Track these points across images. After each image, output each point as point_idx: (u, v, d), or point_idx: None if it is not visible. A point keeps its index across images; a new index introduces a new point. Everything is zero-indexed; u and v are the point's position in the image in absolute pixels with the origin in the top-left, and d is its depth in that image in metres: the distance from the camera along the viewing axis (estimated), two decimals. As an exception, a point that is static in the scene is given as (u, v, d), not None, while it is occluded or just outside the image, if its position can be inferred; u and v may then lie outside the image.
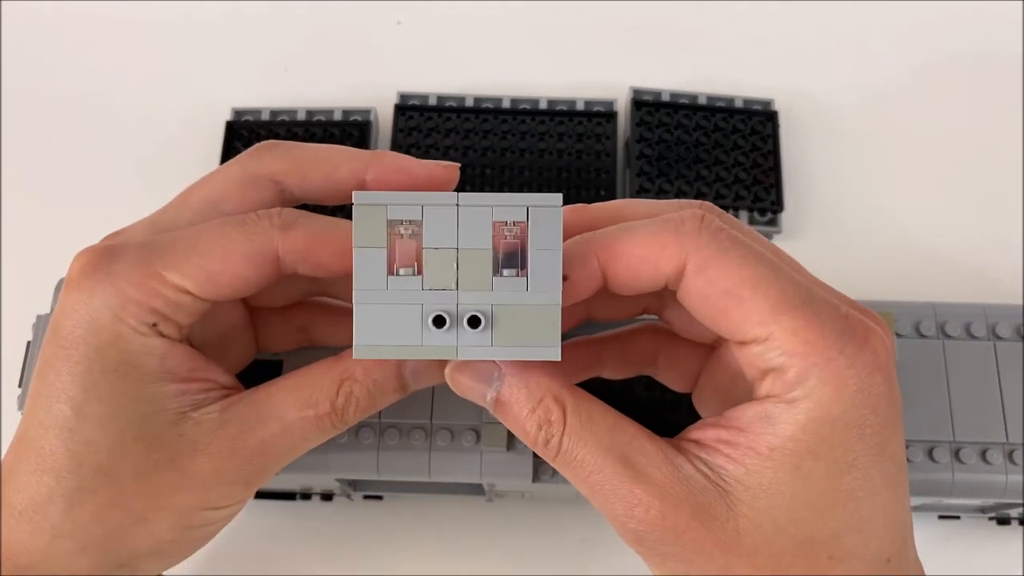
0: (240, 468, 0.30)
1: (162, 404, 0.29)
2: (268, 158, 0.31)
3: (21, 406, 0.38)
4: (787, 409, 0.26)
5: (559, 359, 0.26)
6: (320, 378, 0.31)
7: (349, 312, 0.27)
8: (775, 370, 0.26)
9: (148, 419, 0.29)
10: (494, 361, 0.28)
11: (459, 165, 0.32)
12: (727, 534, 0.26)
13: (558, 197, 0.26)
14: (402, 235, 0.26)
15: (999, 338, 0.38)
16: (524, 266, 0.26)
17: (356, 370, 0.31)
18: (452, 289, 0.26)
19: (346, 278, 0.27)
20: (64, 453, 0.29)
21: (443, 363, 0.30)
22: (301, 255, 0.29)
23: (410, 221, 0.26)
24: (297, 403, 0.30)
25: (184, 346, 0.30)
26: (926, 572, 0.29)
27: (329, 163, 0.31)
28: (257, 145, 0.32)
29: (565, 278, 0.26)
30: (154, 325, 0.29)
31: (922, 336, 0.38)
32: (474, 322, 0.26)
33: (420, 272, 0.26)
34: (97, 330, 0.29)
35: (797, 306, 0.26)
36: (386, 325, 0.26)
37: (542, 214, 0.26)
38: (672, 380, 0.34)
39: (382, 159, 0.31)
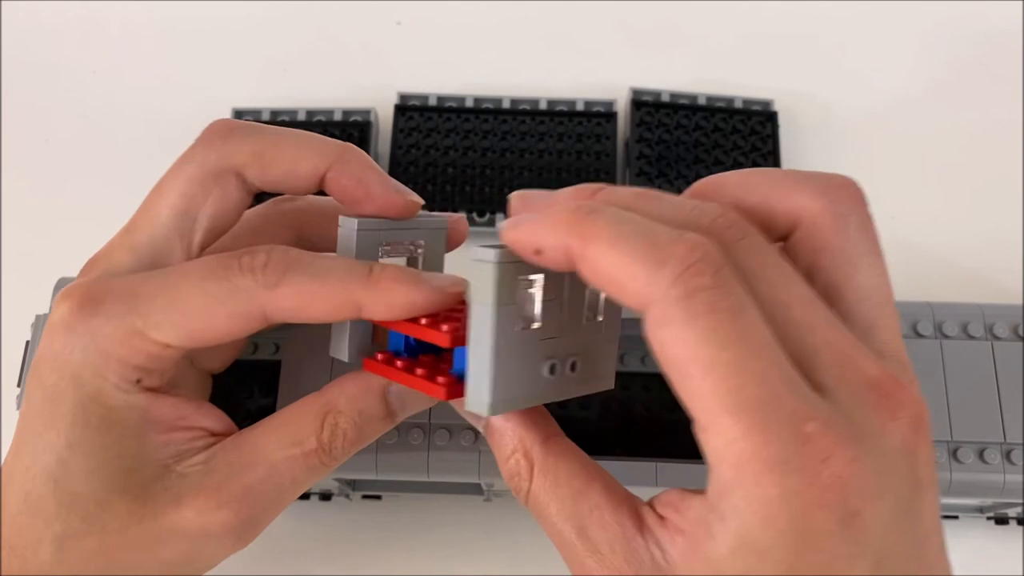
0: (227, 521, 0.29)
1: (146, 458, 0.29)
2: (225, 150, 0.30)
3: (20, 405, 0.38)
4: (719, 523, 0.23)
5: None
6: (303, 414, 0.30)
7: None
8: (711, 467, 0.23)
9: (133, 473, 0.29)
10: None
11: (422, 202, 0.31)
12: None
13: None
14: (525, 290, 0.26)
15: (996, 338, 0.38)
16: (598, 311, 0.28)
17: (339, 400, 0.30)
18: (558, 337, 0.27)
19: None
20: (52, 501, 0.28)
21: None
22: (290, 313, 0.28)
23: (531, 278, 0.26)
24: (282, 442, 0.30)
25: (169, 398, 0.30)
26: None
27: (290, 157, 0.30)
28: (211, 131, 0.31)
29: (538, 252, 0.25)
30: (138, 381, 0.29)
31: (919, 336, 0.38)
32: (574, 366, 0.27)
33: (533, 324, 0.26)
34: (79, 384, 0.29)
35: (746, 410, 0.22)
36: (513, 378, 0.26)
37: None
38: None
39: (347, 164, 0.30)
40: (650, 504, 0.26)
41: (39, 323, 0.40)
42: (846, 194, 0.26)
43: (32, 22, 0.57)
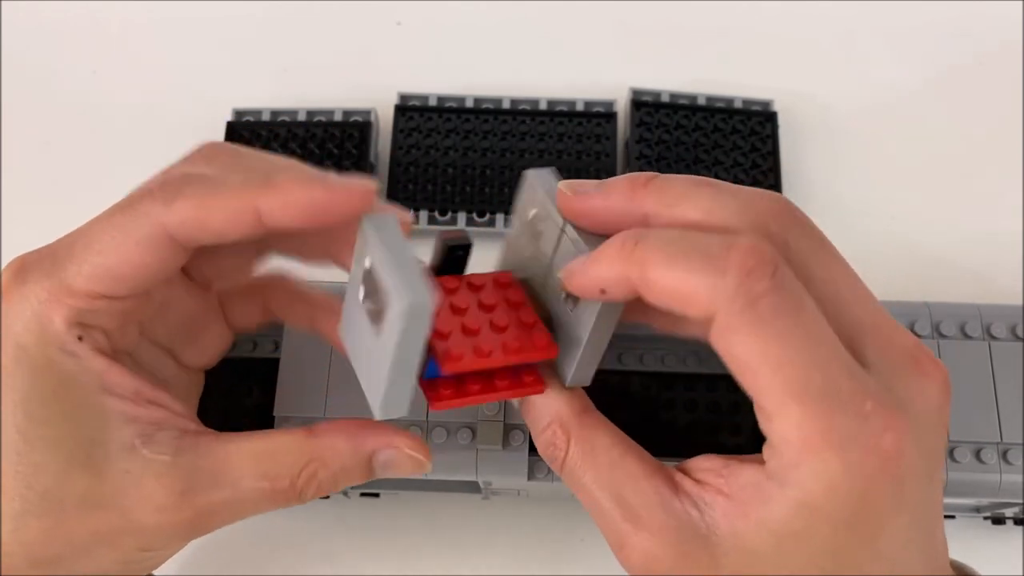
0: (183, 525, 0.29)
1: (109, 429, 0.29)
2: (206, 171, 0.30)
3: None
4: (779, 489, 0.25)
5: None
6: (286, 453, 0.30)
7: (311, 296, 0.27)
8: (774, 446, 0.25)
9: (96, 446, 0.29)
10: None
11: (373, 185, 0.28)
12: None
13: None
14: None
15: (994, 338, 0.38)
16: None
17: (326, 454, 0.30)
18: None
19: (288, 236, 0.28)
20: (12, 475, 0.28)
21: (416, 458, 0.31)
22: (193, 228, 0.28)
23: None
24: (255, 472, 0.30)
25: (123, 367, 0.30)
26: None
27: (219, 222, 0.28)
28: (202, 148, 0.31)
29: (604, 291, 0.27)
30: (80, 339, 0.29)
31: (917, 336, 0.38)
32: None
33: None
34: (27, 355, 0.28)
35: (813, 398, 0.24)
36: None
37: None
38: None
39: (270, 195, 0.28)
40: (682, 470, 0.28)
41: None
42: (789, 220, 0.28)
43: (32, 22, 0.57)
